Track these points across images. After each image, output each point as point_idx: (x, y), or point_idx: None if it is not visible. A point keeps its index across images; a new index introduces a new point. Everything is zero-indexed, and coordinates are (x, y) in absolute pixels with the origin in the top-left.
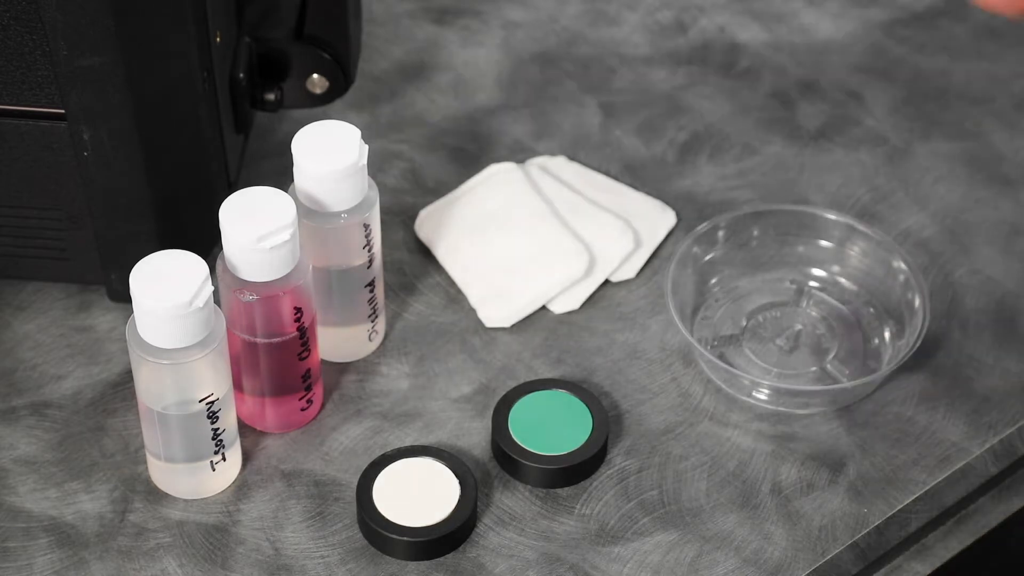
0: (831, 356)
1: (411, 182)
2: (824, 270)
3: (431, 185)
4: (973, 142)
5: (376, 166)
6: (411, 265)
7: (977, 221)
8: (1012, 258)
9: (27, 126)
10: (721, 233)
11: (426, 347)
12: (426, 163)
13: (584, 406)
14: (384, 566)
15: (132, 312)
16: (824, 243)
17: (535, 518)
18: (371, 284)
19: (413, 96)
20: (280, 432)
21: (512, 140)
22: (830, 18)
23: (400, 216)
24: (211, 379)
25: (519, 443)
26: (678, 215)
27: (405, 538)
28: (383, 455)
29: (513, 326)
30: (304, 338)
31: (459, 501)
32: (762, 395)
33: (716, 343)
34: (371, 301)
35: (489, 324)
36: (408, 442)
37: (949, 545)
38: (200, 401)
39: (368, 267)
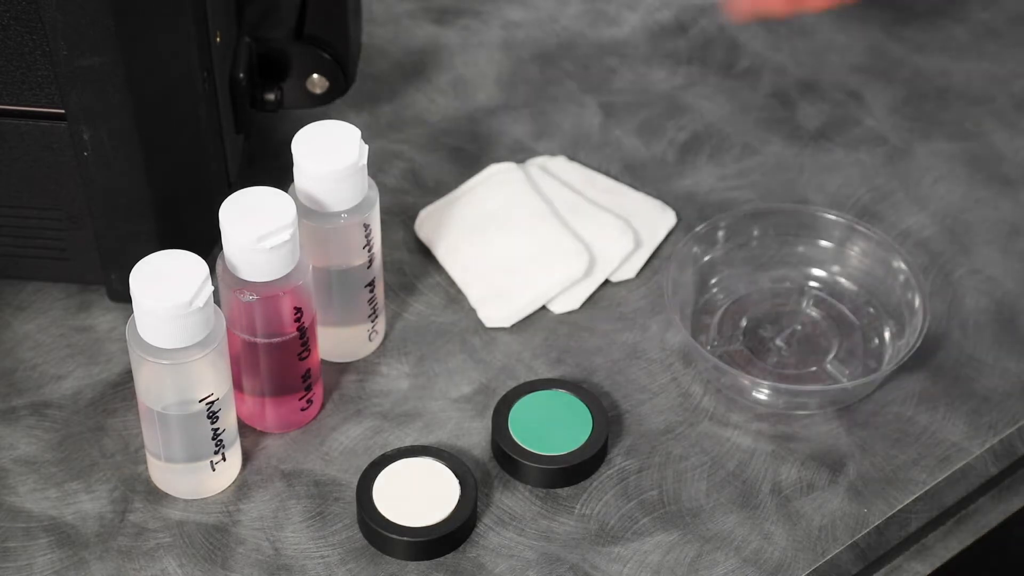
0: (831, 356)
1: (411, 182)
2: (824, 270)
3: (431, 185)
4: (973, 142)
5: (376, 166)
6: (411, 265)
7: (977, 221)
8: (1012, 258)
9: (27, 126)
10: (721, 233)
11: (426, 347)
12: (426, 163)
13: (584, 406)
14: (384, 566)
15: (132, 312)
16: (824, 243)
17: (535, 518)
18: (371, 284)
19: (413, 96)
20: (280, 432)
21: (512, 140)
22: (830, 18)
23: (400, 216)
24: (211, 379)
25: (519, 443)
26: (678, 215)
27: (405, 538)
28: (383, 455)
29: (513, 326)
30: (304, 338)
31: (459, 501)
32: (762, 395)
33: (716, 343)
34: (371, 301)
35: (489, 324)
36: (408, 442)
37: (949, 545)
38: (200, 401)
39: (368, 267)
